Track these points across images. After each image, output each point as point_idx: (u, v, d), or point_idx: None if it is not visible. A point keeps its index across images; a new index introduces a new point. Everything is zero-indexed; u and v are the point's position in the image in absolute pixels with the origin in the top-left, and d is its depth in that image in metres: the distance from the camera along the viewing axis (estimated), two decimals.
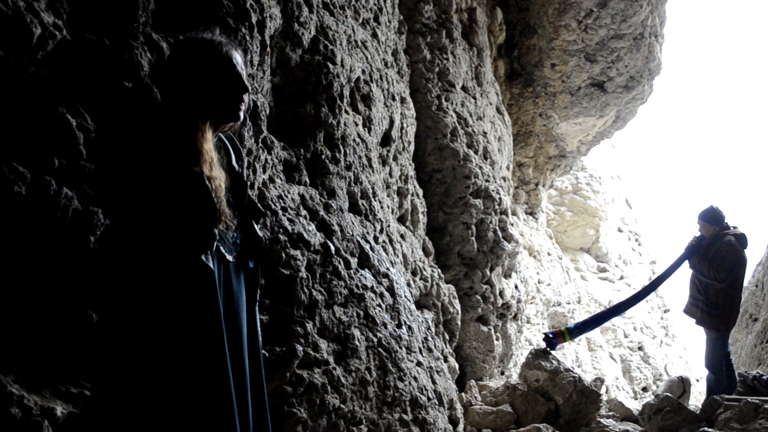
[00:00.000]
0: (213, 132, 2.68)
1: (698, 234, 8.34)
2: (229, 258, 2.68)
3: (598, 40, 11.25)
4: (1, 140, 2.58)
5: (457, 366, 7.97)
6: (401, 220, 7.08)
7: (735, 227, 8.16)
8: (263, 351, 3.86)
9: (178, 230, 2.44)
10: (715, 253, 7.95)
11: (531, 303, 12.67)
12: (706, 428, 6.11)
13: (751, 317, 11.39)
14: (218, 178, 2.59)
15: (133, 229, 2.42)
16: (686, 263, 8.35)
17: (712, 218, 8.16)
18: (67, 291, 2.83)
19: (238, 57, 2.71)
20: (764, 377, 7.70)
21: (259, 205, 3.07)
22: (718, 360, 8.18)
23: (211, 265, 2.49)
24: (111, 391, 2.39)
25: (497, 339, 8.98)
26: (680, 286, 9.09)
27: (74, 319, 2.84)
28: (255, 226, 2.95)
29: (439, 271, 7.79)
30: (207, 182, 2.49)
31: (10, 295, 2.64)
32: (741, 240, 7.98)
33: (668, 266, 8.50)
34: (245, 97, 2.72)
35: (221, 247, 2.62)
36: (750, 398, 6.66)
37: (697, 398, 9.74)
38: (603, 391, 8.40)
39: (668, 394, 7.85)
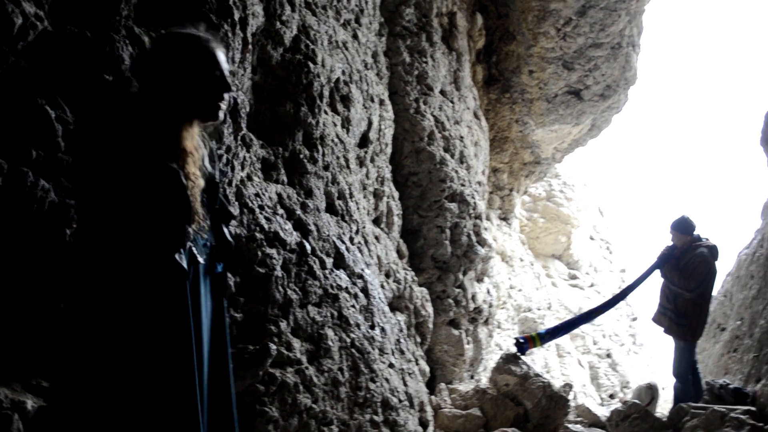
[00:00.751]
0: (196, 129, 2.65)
1: (670, 243, 8.42)
2: (200, 260, 2.63)
3: (576, 49, 11.33)
4: None
5: (427, 369, 7.99)
6: (376, 221, 7.08)
7: (707, 239, 8.25)
8: (232, 349, 3.86)
9: (151, 227, 2.39)
10: (687, 263, 8.03)
11: (502, 308, 12.71)
12: None
13: (718, 327, 11.51)
14: (196, 176, 2.56)
15: (106, 224, 2.37)
16: (657, 272, 8.43)
17: (684, 228, 8.25)
18: (41, 284, 2.80)
19: (221, 55, 2.65)
20: (731, 386, 7.79)
21: (230, 208, 3.08)
22: (685, 369, 8.26)
23: (184, 264, 2.45)
24: (76, 385, 2.37)
25: (468, 343, 9.00)
26: (649, 294, 9.18)
27: (47, 312, 2.81)
28: (225, 230, 2.89)
29: (413, 273, 7.80)
30: (183, 180, 2.46)
31: None
32: (713, 252, 8.08)
33: (639, 274, 8.58)
34: (226, 96, 2.66)
35: (193, 248, 2.57)
36: (716, 407, 6.74)
37: (662, 406, 9.82)
38: (571, 397, 8.44)
39: (637, 401, 7.93)
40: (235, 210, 3.94)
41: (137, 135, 2.44)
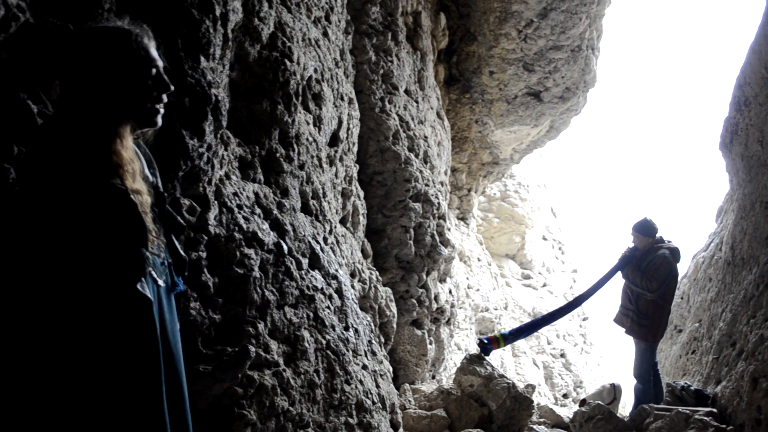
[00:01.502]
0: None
1: (632, 245, 8.51)
2: (160, 282, 2.41)
3: (536, 50, 11.40)
4: None
5: (390, 369, 7.96)
6: (343, 221, 7.03)
7: (669, 241, 8.37)
8: (211, 351, 3.79)
9: (105, 257, 2.13)
10: (649, 265, 8.13)
11: (460, 308, 12.75)
12: None
13: (676, 328, 11.68)
14: (142, 191, 2.32)
15: (53, 259, 2.08)
16: (619, 273, 8.52)
17: (645, 230, 8.35)
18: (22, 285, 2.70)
19: (154, 50, 2.40)
20: (692, 388, 7.88)
21: (179, 218, 2.77)
22: (646, 370, 8.36)
23: (149, 293, 2.22)
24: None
25: (431, 343, 9.01)
26: (599, 295, 9.25)
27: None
28: (177, 243, 2.66)
29: (377, 273, 7.76)
30: (131, 197, 2.22)
31: None
32: (675, 254, 8.19)
33: (601, 277, 8.65)
34: (165, 98, 2.42)
35: (152, 272, 2.34)
36: (681, 408, 6.82)
37: (620, 408, 9.93)
38: (533, 397, 8.48)
39: (599, 401, 7.99)
40: (214, 211, 3.86)
41: (71, 152, 2.18)
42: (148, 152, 2.66)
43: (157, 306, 2.31)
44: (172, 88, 2.44)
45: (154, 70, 2.35)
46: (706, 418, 6.38)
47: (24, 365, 2.09)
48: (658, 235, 8.37)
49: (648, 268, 8.12)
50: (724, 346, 8.19)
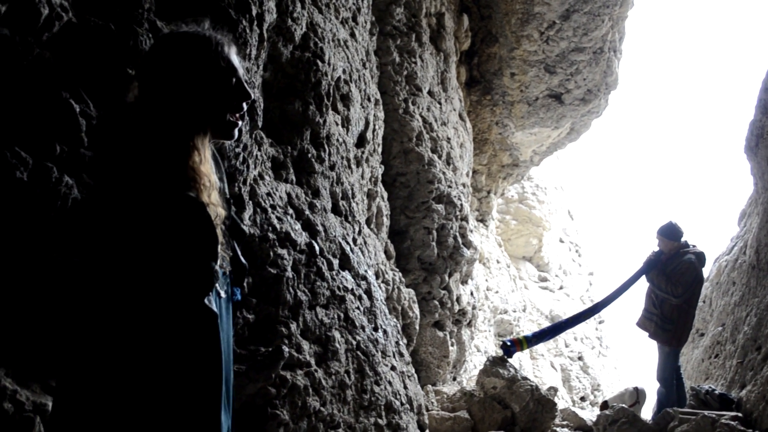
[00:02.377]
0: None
1: (657, 249, 8.46)
2: (222, 293, 2.35)
3: (558, 52, 11.37)
4: (4, 123, 2.47)
5: (413, 371, 7.96)
6: (367, 222, 7.04)
7: (694, 245, 8.31)
8: (244, 351, 3.80)
9: (176, 270, 2.08)
10: (674, 269, 8.07)
11: (480, 310, 12.74)
12: None
13: (698, 332, 11.62)
14: (217, 205, 2.25)
15: (123, 269, 2.04)
16: (644, 277, 8.47)
17: (671, 234, 8.29)
18: (63, 283, 2.71)
19: (236, 58, 2.32)
20: (716, 392, 7.84)
21: (242, 225, 2.70)
22: (670, 374, 8.32)
23: (215, 307, 2.17)
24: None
25: (452, 345, 9.00)
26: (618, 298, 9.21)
27: (67, 313, 2.73)
28: (238, 250, 2.57)
29: (401, 274, 7.76)
30: (207, 211, 2.15)
31: (5, 285, 2.52)
32: (700, 258, 8.13)
33: (626, 279, 8.60)
34: (245, 106, 2.34)
35: (216, 285, 2.26)
36: (707, 412, 6.77)
37: (643, 411, 9.89)
38: (556, 400, 8.46)
39: (622, 404, 7.96)
40: (248, 210, 3.87)
41: (149, 159, 2.11)
42: (217, 154, 2.58)
43: (219, 318, 2.25)
44: (253, 96, 2.38)
45: (234, 79, 2.27)
46: (732, 423, 6.34)
47: (91, 367, 2.06)
48: (683, 239, 8.31)
49: (673, 273, 8.07)
50: (749, 350, 8.14)
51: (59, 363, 2.35)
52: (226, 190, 2.55)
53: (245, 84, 2.31)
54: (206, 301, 2.12)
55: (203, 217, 2.13)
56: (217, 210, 2.24)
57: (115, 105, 2.81)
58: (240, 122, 2.33)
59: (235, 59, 2.30)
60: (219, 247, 2.20)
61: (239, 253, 2.56)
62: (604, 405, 8.79)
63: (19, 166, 2.49)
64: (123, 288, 2.04)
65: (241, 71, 2.30)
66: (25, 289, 2.60)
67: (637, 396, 9.04)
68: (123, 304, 2.04)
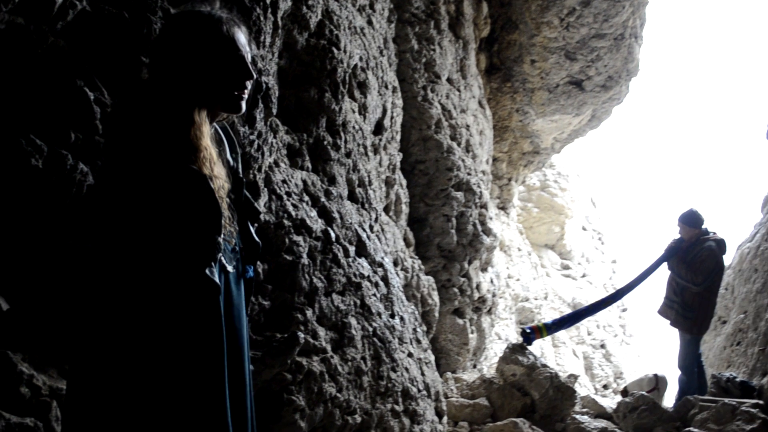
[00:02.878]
0: (210, 122, 2.35)
1: (677, 236, 8.42)
2: (230, 268, 2.38)
3: (579, 39, 11.29)
4: (20, 111, 2.50)
5: (433, 358, 7.98)
6: (386, 209, 7.05)
7: (714, 232, 8.25)
8: (260, 337, 3.82)
9: (177, 241, 2.13)
10: (695, 257, 8.03)
11: (501, 298, 12.73)
12: (691, 428, 6.18)
13: (720, 320, 11.54)
14: (220, 177, 2.28)
15: (127, 241, 2.10)
16: (665, 265, 8.43)
17: (692, 221, 8.24)
18: (77, 269, 2.75)
19: (242, 37, 2.35)
20: (737, 379, 7.79)
21: (255, 204, 2.77)
22: (691, 362, 8.28)
23: (216, 279, 2.19)
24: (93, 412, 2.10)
25: (472, 332, 9.01)
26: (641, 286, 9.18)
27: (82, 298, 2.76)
28: (251, 229, 2.63)
29: (420, 262, 7.77)
30: (211, 184, 2.19)
31: (23, 272, 2.56)
32: (721, 245, 8.08)
33: (646, 267, 8.57)
34: (249, 84, 2.37)
35: (222, 258, 2.30)
36: (727, 400, 6.75)
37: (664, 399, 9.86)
38: (576, 387, 8.45)
39: (641, 391, 7.94)
40: (264, 197, 3.89)
41: (152, 135, 2.17)
42: (232, 135, 2.63)
43: (224, 292, 2.31)
44: (255, 76, 2.40)
45: (238, 57, 2.31)
46: (753, 410, 6.31)
47: (99, 339, 2.12)
48: (704, 226, 8.26)
49: (694, 261, 8.02)
50: None
51: (71, 337, 2.42)
52: (240, 169, 2.60)
53: (248, 64, 2.35)
54: (208, 272, 2.15)
55: (205, 189, 2.17)
56: (221, 183, 2.28)
57: (129, 86, 2.83)
58: (245, 96, 2.37)
59: (241, 38, 2.34)
60: (222, 219, 2.23)
61: (252, 231, 2.61)
62: (624, 392, 8.78)
63: (34, 153, 2.52)
64: (127, 259, 2.09)
65: (245, 50, 2.34)
66: (41, 275, 2.64)
67: (656, 382, 9.00)
68: (128, 274, 2.09)
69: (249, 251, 2.58)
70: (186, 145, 2.18)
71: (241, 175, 2.58)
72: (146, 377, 2.10)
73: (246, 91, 2.37)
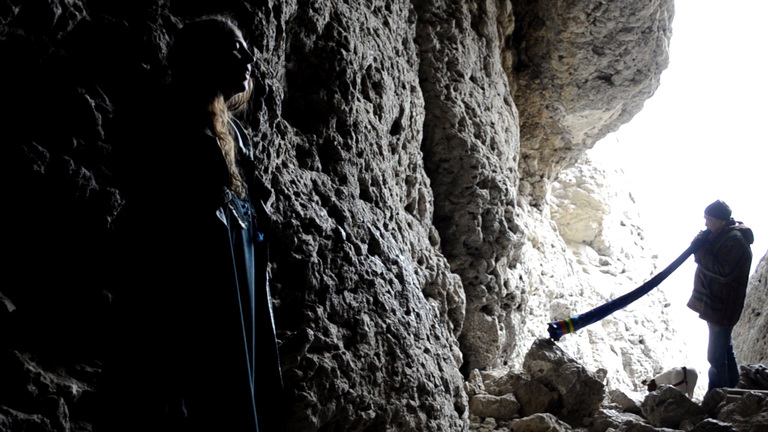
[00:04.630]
0: (226, 109, 2.76)
1: (704, 228, 8.34)
2: (242, 225, 2.70)
3: (606, 33, 11.24)
4: (21, 119, 2.60)
5: (461, 355, 8.01)
6: (409, 208, 7.09)
7: (741, 222, 8.16)
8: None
9: (190, 189, 2.49)
10: (721, 248, 7.95)
11: (534, 294, 12.69)
12: (709, 419, 6.13)
13: (753, 312, 11.39)
14: (229, 141, 2.66)
15: (146, 192, 2.46)
16: (692, 257, 8.36)
17: (718, 212, 8.16)
18: (83, 271, 2.84)
19: (237, 31, 2.78)
20: (767, 371, 7.71)
21: (267, 185, 3.12)
22: (721, 354, 8.19)
23: (224, 220, 2.54)
24: (123, 356, 2.40)
25: (501, 329, 9.01)
26: (681, 280, 9.13)
27: (89, 298, 2.86)
28: (264, 205, 2.98)
29: (445, 260, 7.80)
30: (218, 142, 2.58)
31: (28, 274, 2.66)
32: (747, 235, 7.98)
33: (673, 260, 8.51)
34: (249, 66, 2.77)
35: (234, 212, 2.65)
36: (753, 391, 6.69)
37: (697, 392, 9.77)
38: (605, 382, 8.41)
39: (669, 385, 7.90)
40: (271, 198, 3.96)
41: (169, 107, 2.57)
42: (244, 130, 2.99)
43: (235, 243, 2.63)
44: (254, 58, 2.81)
45: (237, 44, 2.73)
46: None
47: (126, 282, 2.47)
48: (731, 217, 8.17)
49: (720, 252, 7.94)
50: None
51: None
52: (251, 155, 2.93)
53: (246, 49, 2.77)
54: (217, 213, 2.52)
55: (212, 146, 2.56)
56: (230, 145, 2.67)
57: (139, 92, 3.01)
58: (247, 76, 2.77)
59: (236, 32, 2.78)
60: (230, 175, 2.60)
61: (265, 208, 2.98)
62: (652, 385, 8.71)
63: (36, 159, 2.61)
64: (149, 206, 2.45)
65: (241, 40, 2.77)
66: (45, 277, 2.73)
67: (685, 375, 8.92)
68: (150, 218, 2.45)
69: (262, 221, 2.93)
70: (201, 113, 2.61)
71: (253, 161, 2.93)
72: (166, 314, 2.41)
73: (247, 71, 2.77)
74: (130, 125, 2.54)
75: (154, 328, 2.38)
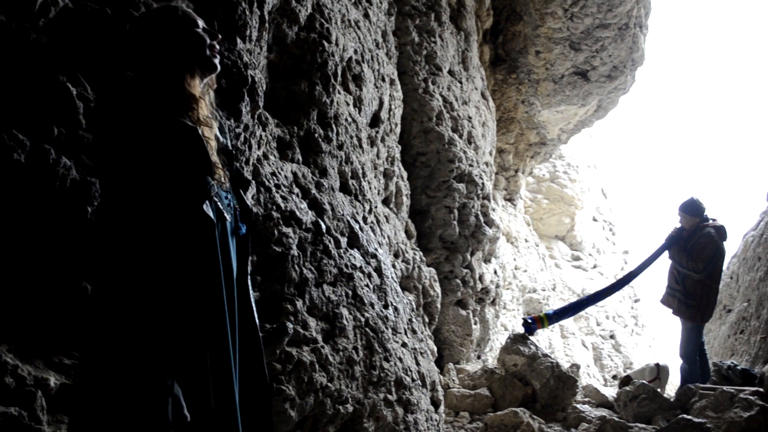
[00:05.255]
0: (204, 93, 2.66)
1: (678, 225, 8.40)
2: (227, 216, 2.61)
3: (583, 29, 11.28)
4: (2, 107, 2.55)
5: (435, 349, 8.01)
6: (386, 201, 7.08)
7: (714, 219, 8.23)
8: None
9: (173, 179, 2.39)
10: (694, 245, 8.01)
11: (507, 289, 12.73)
12: (684, 415, 6.19)
13: (725, 308, 11.52)
14: (213, 127, 2.61)
15: (128, 183, 2.34)
16: (666, 254, 8.42)
17: (692, 210, 8.22)
18: (62, 261, 2.80)
19: (194, 14, 2.67)
20: (738, 367, 7.80)
21: (247, 175, 3.11)
22: (693, 350, 8.26)
23: (210, 214, 2.45)
24: (103, 348, 2.30)
25: (475, 323, 9.02)
26: (651, 276, 9.20)
27: (68, 289, 2.82)
28: (244, 196, 2.89)
29: (421, 254, 7.80)
30: (199, 130, 2.48)
31: (6, 264, 2.61)
32: (720, 232, 8.05)
33: (647, 256, 8.56)
34: (216, 45, 2.66)
35: (218, 203, 2.56)
36: (725, 387, 6.75)
37: (668, 388, 9.85)
38: (578, 377, 8.46)
39: (642, 381, 7.95)
40: (252, 190, 3.93)
41: (146, 95, 2.45)
42: (222, 120, 2.96)
43: (220, 235, 2.54)
44: (219, 36, 2.68)
45: (200, 24, 2.62)
46: (751, 397, 6.31)
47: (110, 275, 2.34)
48: (704, 214, 8.24)
49: (693, 249, 8.00)
50: None
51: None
52: (229, 144, 2.84)
53: (208, 28, 2.66)
54: (204, 207, 2.42)
55: (192, 134, 2.46)
56: (211, 133, 2.59)
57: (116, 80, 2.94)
58: (217, 55, 2.66)
59: (194, 15, 2.65)
60: (213, 164, 2.51)
61: (245, 198, 2.87)
62: (626, 380, 8.78)
63: (17, 148, 2.57)
64: (132, 202, 2.33)
65: (200, 22, 2.64)
66: (25, 269, 2.69)
67: (658, 372, 9.00)
68: (134, 215, 2.33)
69: (244, 213, 2.83)
70: (180, 99, 2.50)
71: (232, 150, 2.85)
72: (151, 299, 2.31)
73: (216, 49, 2.66)
74: (111, 116, 2.42)
75: (135, 320, 2.28)
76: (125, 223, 2.33)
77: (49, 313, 2.77)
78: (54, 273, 2.77)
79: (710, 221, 8.17)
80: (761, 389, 6.90)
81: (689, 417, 6.07)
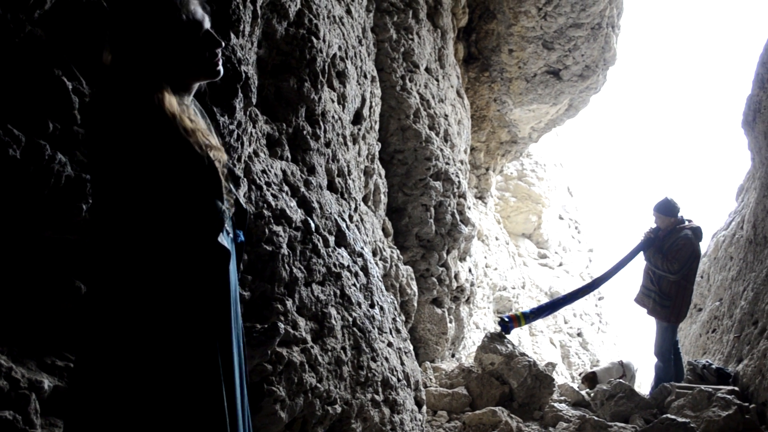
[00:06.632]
0: (183, 95, 2.38)
1: (654, 226, 8.46)
2: (228, 229, 2.43)
3: (556, 28, 11.31)
4: None
5: (411, 348, 7.99)
6: (364, 199, 7.03)
7: (690, 220, 8.30)
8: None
9: (186, 210, 2.19)
10: (671, 246, 8.08)
11: (478, 287, 12.76)
12: (668, 415, 6.24)
13: (696, 307, 11.65)
14: (218, 148, 2.35)
15: (133, 215, 2.15)
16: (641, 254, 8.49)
17: (667, 210, 8.29)
18: (55, 260, 2.73)
19: (199, 9, 2.33)
20: (713, 366, 7.89)
21: (236, 171, 2.99)
22: (667, 349, 8.34)
23: (227, 244, 2.28)
24: (100, 352, 2.19)
25: (450, 321, 9.03)
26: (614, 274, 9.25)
27: (61, 288, 2.75)
28: (238, 196, 2.69)
29: (398, 252, 7.77)
30: (209, 153, 2.24)
31: None
32: (697, 233, 8.13)
33: (623, 257, 8.61)
34: (219, 51, 2.36)
35: (226, 225, 2.36)
36: (703, 386, 6.82)
37: (638, 386, 9.95)
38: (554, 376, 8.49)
39: (611, 379, 8.02)
40: (243, 187, 3.87)
41: (142, 113, 2.16)
42: (202, 108, 2.62)
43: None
44: (223, 43, 2.40)
45: (203, 30, 2.32)
46: (728, 396, 6.39)
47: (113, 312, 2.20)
48: (679, 214, 8.31)
49: (670, 250, 8.07)
50: (746, 325, 8.17)
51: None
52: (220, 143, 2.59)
53: (214, 34, 2.35)
54: (220, 239, 2.25)
55: (202, 159, 2.23)
56: (220, 154, 2.35)
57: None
58: (219, 60, 2.37)
59: (199, 12, 2.32)
60: (223, 189, 2.32)
61: (239, 198, 2.68)
62: (591, 375, 8.83)
63: (12, 143, 2.50)
64: (138, 234, 2.16)
65: (206, 25, 2.34)
66: (20, 267, 2.62)
67: (623, 370, 9.10)
68: (139, 249, 2.16)
69: (239, 216, 2.64)
70: (162, 117, 2.18)
71: (230, 165, 2.71)
72: (157, 346, 2.18)
73: (218, 57, 2.37)
74: (111, 117, 2.18)
75: (135, 329, 2.17)
76: (131, 234, 2.17)
77: (41, 313, 2.71)
78: (47, 272, 2.71)
79: (686, 222, 8.24)
80: (737, 388, 6.98)
81: (673, 417, 6.12)
